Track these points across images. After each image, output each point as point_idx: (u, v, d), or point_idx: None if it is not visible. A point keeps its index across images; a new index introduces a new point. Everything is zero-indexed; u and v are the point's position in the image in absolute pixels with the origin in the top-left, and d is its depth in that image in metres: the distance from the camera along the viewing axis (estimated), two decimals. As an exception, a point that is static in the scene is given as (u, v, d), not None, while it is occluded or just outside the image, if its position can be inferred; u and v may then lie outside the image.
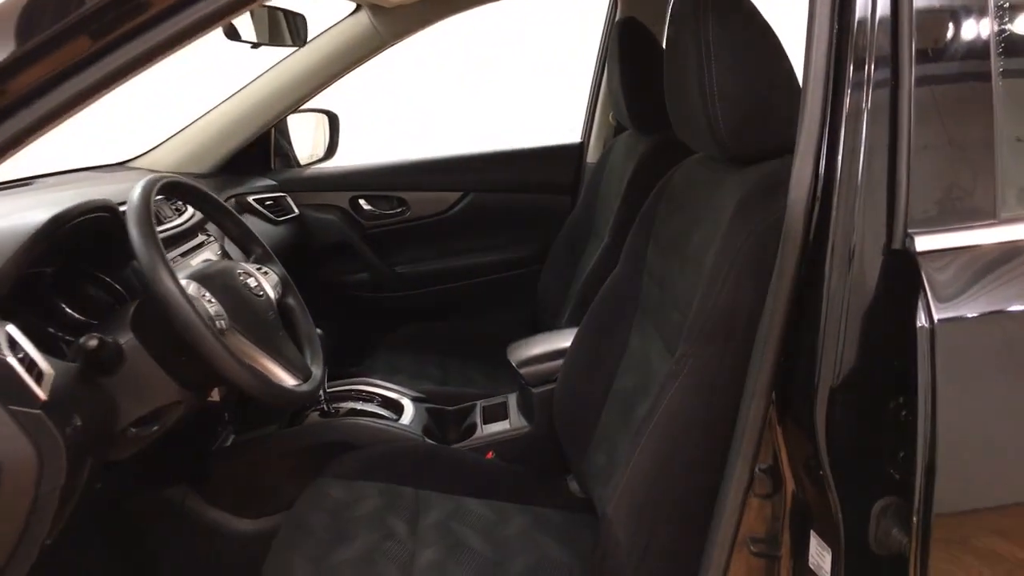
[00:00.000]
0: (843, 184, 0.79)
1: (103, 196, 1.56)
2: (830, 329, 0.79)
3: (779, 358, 0.84)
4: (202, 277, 1.13)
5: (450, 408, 1.73)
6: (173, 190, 1.25)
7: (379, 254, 2.32)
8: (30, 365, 0.92)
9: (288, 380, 1.16)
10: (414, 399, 1.70)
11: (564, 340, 1.49)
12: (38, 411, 0.87)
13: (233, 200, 2.03)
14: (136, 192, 1.09)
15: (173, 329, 1.01)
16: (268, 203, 2.15)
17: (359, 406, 1.62)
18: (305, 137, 2.39)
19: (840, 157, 0.79)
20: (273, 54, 2.10)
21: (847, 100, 0.80)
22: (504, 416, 1.62)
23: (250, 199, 2.08)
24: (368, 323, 2.33)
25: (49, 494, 0.89)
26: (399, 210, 2.31)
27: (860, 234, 0.79)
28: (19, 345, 0.94)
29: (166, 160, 2.10)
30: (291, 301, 1.34)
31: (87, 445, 1.01)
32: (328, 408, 1.58)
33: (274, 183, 2.23)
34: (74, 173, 1.94)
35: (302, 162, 2.36)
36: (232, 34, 1.37)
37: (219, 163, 2.12)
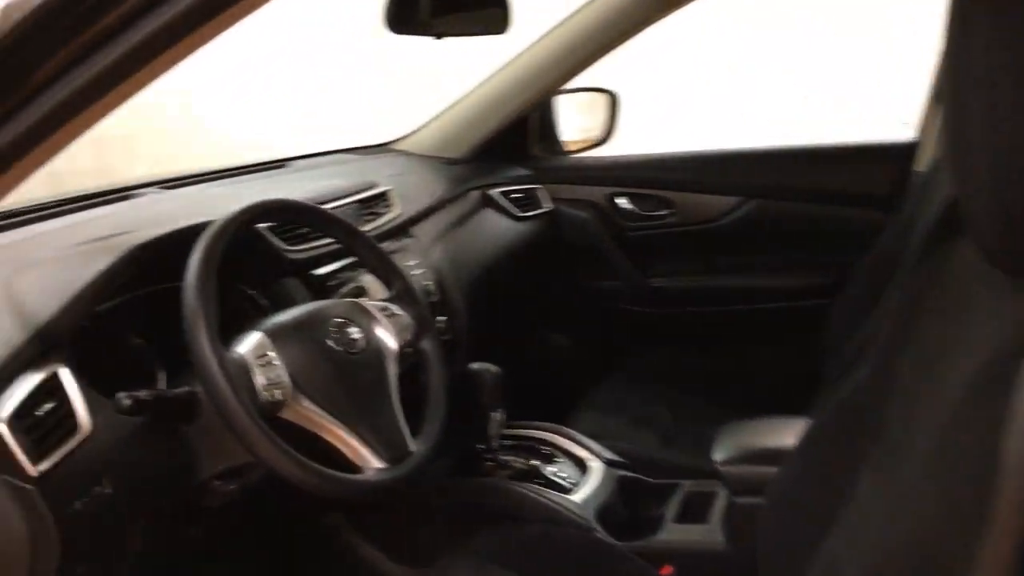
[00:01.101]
0: None
1: (352, 183, 1.50)
2: None
3: None
4: (278, 331, 0.96)
5: (653, 481, 1.39)
6: (280, 214, 1.10)
7: (634, 262, 2.00)
8: (59, 420, 0.83)
9: (371, 461, 0.95)
10: (609, 462, 1.39)
11: (792, 435, 1.07)
12: (29, 487, 0.77)
13: (478, 192, 1.87)
14: (213, 228, 0.95)
15: None
16: (517, 195, 1.95)
17: (534, 463, 1.36)
18: (575, 120, 2.14)
19: None
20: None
21: None
22: (704, 517, 1.25)
23: (495, 192, 1.90)
24: (606, 340, 2.04)
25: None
26: (663, 212, 1.96)
27: None
28: (63, 390, 0.85)
29: (424, 143, 2.01)
30: (426, 346, 1.13)
31: (136, 501, 0.91)
32: (498, 461, 1.36)
33: (529, 173, 2.03)
34: (331, 155, 1.93)
35: (569, 148, 2.12)
36: (401, 24, 1.16)
37: (475, 148, 1.98)
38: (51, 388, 0.85)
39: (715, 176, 1.93)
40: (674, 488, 1.35)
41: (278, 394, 0.90)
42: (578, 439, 1.44)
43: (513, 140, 2.02)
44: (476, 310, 1.61)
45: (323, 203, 1.37)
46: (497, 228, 1.86)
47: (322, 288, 1.27)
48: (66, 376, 0.88)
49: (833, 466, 0.89)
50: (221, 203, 1.33)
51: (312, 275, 1.27)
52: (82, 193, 1.39)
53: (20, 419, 0.79)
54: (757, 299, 1.92)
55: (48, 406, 0.84)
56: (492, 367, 1.34)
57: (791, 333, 1.84)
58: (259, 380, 0.89)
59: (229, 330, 1.16)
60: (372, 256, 1.15)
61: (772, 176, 1.88)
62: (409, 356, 1.11)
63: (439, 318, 1.49)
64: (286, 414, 0.92)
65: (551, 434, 1.46)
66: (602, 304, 2.06)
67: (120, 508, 0.88)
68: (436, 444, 1.04)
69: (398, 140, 2.06)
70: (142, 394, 0.87)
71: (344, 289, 1.23)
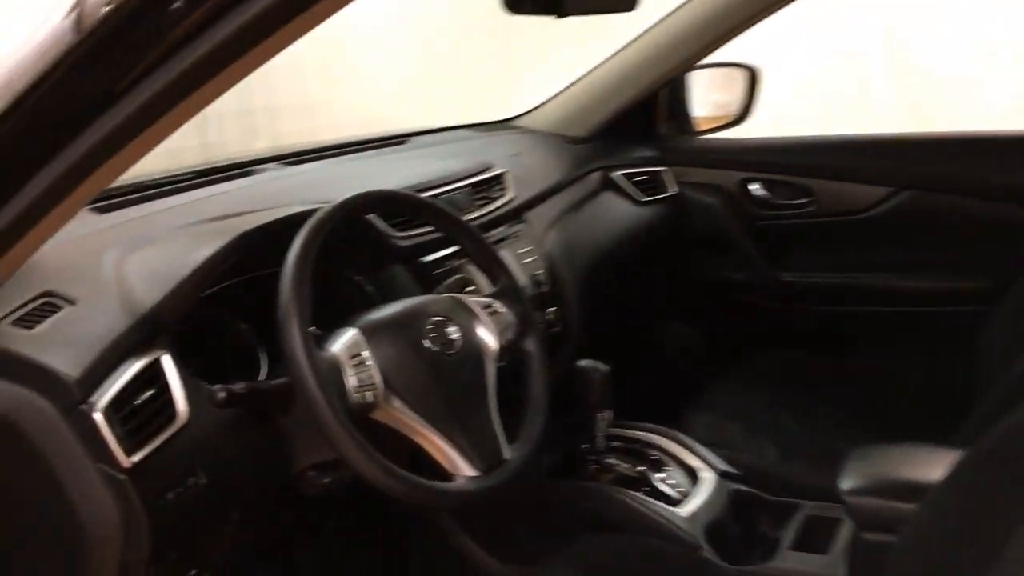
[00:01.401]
0: None
1: (467, 165, 1.46)
2: None
3: None
4: (373, 329, 0.92)
5: (770, 498, 1.29)
6: (383, 205, 1.06)
7: (763, 253, 1.86)
8: (157, 409, 0.83)
9: (462, 468, 0.91)
10: (722, 474, 1.30)
11: (934, 468, 0.95)
12: (122, 477, 0.78)
13: (598, 174, 1.79)
14: (312, 221, 0.92)
15: None
16: (641, 178, 1.85)
17: (641, 469, 1.29)
18: (708, 98, 2.01)
19: None
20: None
21: None
22: (825, 547, 1.14)
23: (616, 174, 1.81)
24: (727, 336, 1.91)
25: (136, 564, 0.80)
26: (800, 201, 1.80)
27: None
28: (164, 378, 0.85)
29: (546, 119, 1.94)
30: (528, 347, 1.07)
31: (231, 491, 0.91)
32: (603, 464, 1.29)
33: (654, 154, 1.92)
34: (451, 132, 1.90)
35: (700, 127, 1.99)
36: (519, 4, 1.08)
37: (599, 126, 1.89)
38: (151, 375, 0.85)
39: (863, 163, 1.75)
40: (793, 509, 1.25)
41: (369, 396, 0.87)
42: (690, 445, 1.36)
43: (640, 118, 1.91)
44: (589, 301, 1.54)
45: (436, 187, 1.33)
46: (617, 212, 1.77)
47: (428, 276, 1.24)
48: (168, 363, 0.88)
49: (983, 514, 0.78)
50: (336, 185, 1.32)
51: (419, 263, 1.24)
52: (204, 167, 1.42)
53: (117, 408, 0.80)
54: (902, 301, 1.74)
55: (147, 394, 0.84)
56: (601, 365, 1.27)
57: (939, 343, 1.67)
58: (351, 381, 0.86)
59: (333, 317, 1.15)
60: (478, 250, 1.10)
61: (931, 165, 1.68)
62: (510, 356, 1.06)
63: (549, 309, 1.43)
64: (377, 415, 0.89)
65: (661, 438, 1.38)
66: (726, 297, 1.93)
67: (214, 497, 0.88)
68: (532, 452, 0.99)
69: (520, 116, 2.00)
70: (237, 387, 0.87)
71: (449, 280, 1.19)
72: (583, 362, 1.29)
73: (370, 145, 1.65)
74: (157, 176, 1.34)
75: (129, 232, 1.06)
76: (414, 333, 0.94)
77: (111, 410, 0.79)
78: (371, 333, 0.91)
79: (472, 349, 0.98)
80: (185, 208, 1.17)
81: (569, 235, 1.58)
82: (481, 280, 1.23)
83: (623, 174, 1.82)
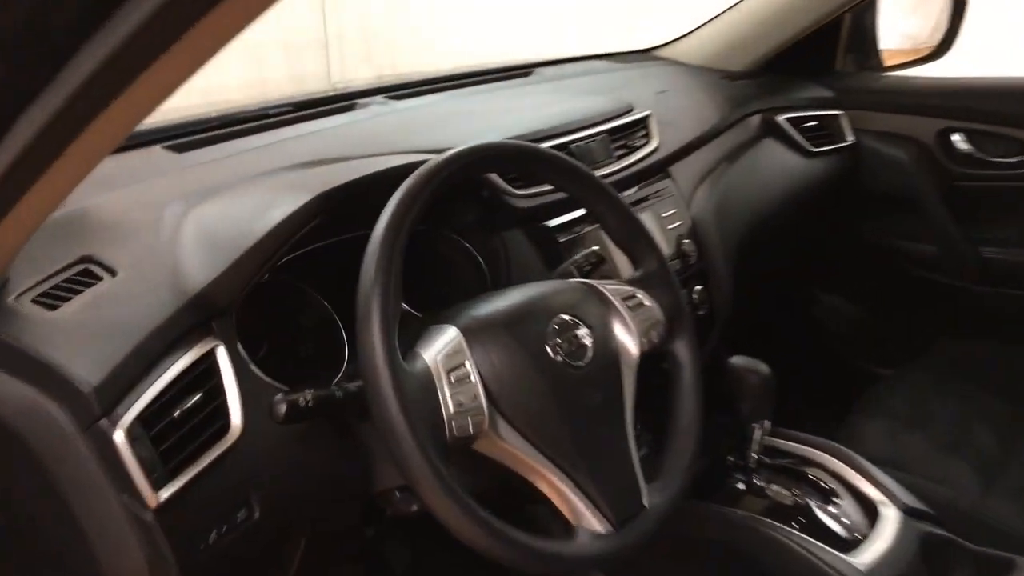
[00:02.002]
0: None
1: (605, 105, 1.21)
2: None
3: None
4: (480, 328, 0.69)
5: (974, 548, 1.01)
6: (500, 163, 0.81)
7: (961, 222, 1.51)
8: (204, 419, 0.65)
9: (589, 521, 0.69)
10: (908, 511, 1.03)
11: None
12: (149, 516, 0.60)
13: (758, 117, 1.49)
14: (406, 186, 0.70)
15: None
16: (811, 123, 1.53)
17: (802, 497, 1.03)
18: (899, 24, 1.64)
19: None
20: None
21: None
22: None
23: (781, 118, 1.49)
24: (908, 320, 1.59)
25: None
26: (1016, 160, 1.44)
27: None
28: (217, 376, 0.67)
29: (698, 50, 1.64)
30: (680, 352, 0.82)
31: (292, 523, 0.73)
32: (754, 488, 1.04)
33: (829, 94, 1.59)
34: (584, 62, 1.63)
35: (887, 62, 1.63)
36: None
37: (763, 58, 1.58)
38: (201, 375, 0.67)
39: None
40: (1005, 567, 0.97)
41: (471, 425, 0.65)
42: (864, 468, 1.08)
43: (812, 50, 1.58)
44: (741, 276, 1.27)
45: (569, 132, 1.09)
46: (780, 166, 1.47)
47: (552, 244, 1.01)
48: (223, 358, 0.69)
49: None
50: (447, 127, 1.09)
51: (541, 227, 1.01)
52: (301, 99, 1.22)
53: (150, 423, 0.62)
54: None
55: (192, 400, 0.66)
56: (761, 365, 1.01)
57: None
58: (448, 404, 0.65)
59: (431, 292, 0.94)
60: (621, 224, 0.84)
61: None
62: (652, 360, 0.82)
63: (695, 288, 1.17)
64: (480, 446, 0.68)
65: (825, 455, 1.11)
66: (908, 273, 1.60)
67: (270, 533, 0.70)
68: (679, 498, 0.75)
69: (664, 45, 1.70)
70: (303, 397, 0.67)
71: (577, 255, 0.94)
72: (737, 360, 1.03)
73: (489, 77, 1.42)
74: (249, 108, 1.16)
75: (202, 178, 0.88)
76: (533, 337, 0.71)
77: (140, 427, 0.61)
78: (477, 335, 0.69)
79: (607, 358, 0.75)
80: (272, 149, 0.99)
81: (721, 194, 1.30)
82: (619, 258, 0.99)
83: (789, 118, 1.50)
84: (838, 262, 1.65)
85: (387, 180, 0.81)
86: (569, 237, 1.02)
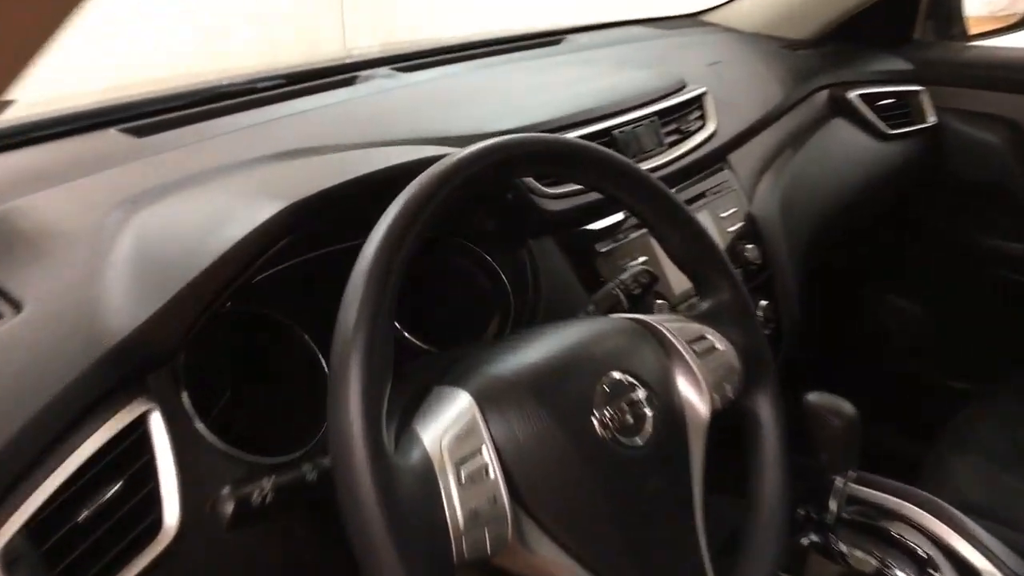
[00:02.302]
0: None
1: (653, 81, 1.01)
2: None
3: None
4: (500, 395, 0.50)
5: None
6: (532, 166, 0.62)
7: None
8: (126, 518, 0.48)
9: None
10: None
11: None
12: None
13: (825, 93, 1.28)
14: (408, 195, 0.51)
15: None
16: (886, 101, 1.32)
17: (887, 569, 0.85)
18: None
19: None
20: None
21: None
22: None
23: (852, 94, 1.29)
24: (1001, 331, 1.38)
25: None
26: None
27: None
28: (150, 456, 0.50)
29: (751, 16, 1.43)
30: (762, 409, 0.63)
31: None
32: (833, 550, 0.86)
33: (908, 68, 1.37)
34: (622, 27, 1.42)
35: (973, 31, 1.42)
36: None
37: (826, 26, 1.38)
38: (127, 451, 0.50)
39: None
40: None
41: (488, 540, 0.47)
42: (964, 527, 0.90)
43: (888, 14, 1.37)
44: (811, 285, 1.08)
45: (611, 115, 0.89)
46: (851, 151, 1.27)
47: (589, 255, 0.82)
48: (157, 427, 0.52)
49: None
50: (462, 109, 0.90)
51: (578, 234, 0.82)
52: (294, 70, 1.03)
53: (43, 533, 0.45)
54: None
55: (112, 490, 0.48)
56: (846, 406, 0.82)
57: None
58: (457, 514, 0.46)
59: (439, 315, 0.76)
60: (689, 242, 0.64)
61: None
62: (723, 419, 0.63)
63: (761, 303, 0.98)
64: (501, 560, 0.50)
65: (913, 507, 0.92)
66: (997, 276, 1.39)
67: None
68: None
69: (714, 9, 1.49)
70: (258, 490, 0.49)
71: (625, 273, 0.75)
72: (816, 398, 0.84)
73: (512, 45, 1.22)
74: (234, 80, 0.98)
75: (159, 171, 0.71)
76: (575, 406, 0.52)
77: (25, 541, 0.44)
78: (497, 405, 0.50)
79: (671, 427, 0.56)
80: (252, 133, 0.81)
81: (786, 186, 1.10)
82: (673, 276, 0.80)
83: (861, 95, 1.30)
84: (916, 263, 1.44)
85: (384, 182, 0.62)
86: (610, 246, 0.83)
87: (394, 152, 0.72)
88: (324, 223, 0.65)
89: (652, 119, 0.92)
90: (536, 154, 0.58)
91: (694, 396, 0.59)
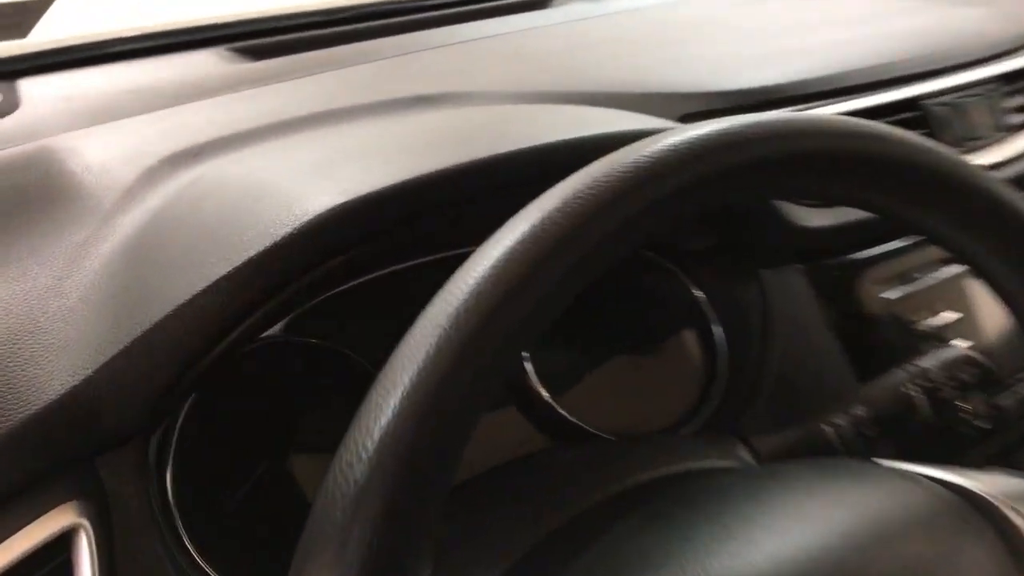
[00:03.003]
0: None
1: (982, 23, 0.66)
2: None
3: None
4: None
5: None
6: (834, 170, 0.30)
7: None
8: None
9: None
10: None
11: None
12: None
13: None
14: (562, 193, 0.24)
15: None
16: None
17: None
18: None
19: None
20: None
21: None
22: None
23: None
24: None
25: None
26: None
27: None
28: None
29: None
30: None
31: None
32: None
33: None
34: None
35: None
36: None
37: None
38: None
39: None
40: None
41: None
42: None
43: None
44: None
45: (926, 76, 0.57)
46: None
47: (861, 308, 0.51)
48: (84, 553, 0.31)
49: None
50: (688, 48, 0.61)
51: (844, 267, 0.51)
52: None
53: None
54: None
55: None
56: None
57: None
58: None
59: (593, 368, 0.50)
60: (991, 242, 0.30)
61: None
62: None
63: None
64: None
65: None
66: None
67: None
68: None
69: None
70: None
71: (932, 360, 0.43)
72: None
73: None
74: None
75: (234, 114, 0.50)
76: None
77: None
78: None
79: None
80: (389, 66, 0.60)
81: None
82: (990, 322, 0.48)
83: None
84: None
85: (552, 165, 0.35)
86: (901, 292, 0.51)
87: (591, 116, 0.46)
88: (443, 216, 0.40)
89: (991, 86, 0.58)
90: (853, 153, 0.28)
91: None
